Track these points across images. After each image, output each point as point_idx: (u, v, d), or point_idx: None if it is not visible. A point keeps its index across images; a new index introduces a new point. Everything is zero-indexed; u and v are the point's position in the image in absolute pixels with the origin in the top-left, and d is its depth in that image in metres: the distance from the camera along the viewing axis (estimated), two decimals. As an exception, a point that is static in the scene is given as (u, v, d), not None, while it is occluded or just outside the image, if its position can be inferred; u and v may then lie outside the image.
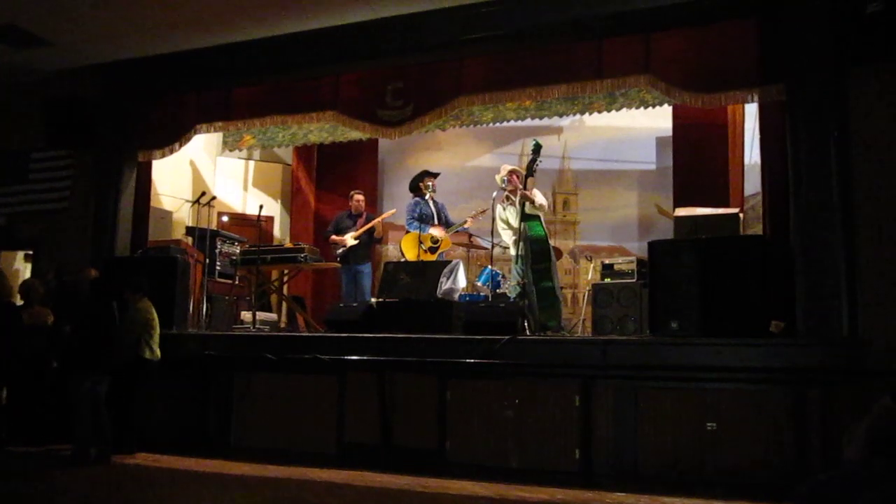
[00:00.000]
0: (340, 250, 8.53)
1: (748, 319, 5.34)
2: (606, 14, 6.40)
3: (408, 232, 8.34)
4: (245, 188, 10.61)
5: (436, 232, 8.22)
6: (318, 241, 9.49)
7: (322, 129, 9.01)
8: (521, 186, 7.09)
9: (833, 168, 5.46)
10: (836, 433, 4.67)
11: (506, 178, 7.32)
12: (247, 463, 6.03)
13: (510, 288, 7.38)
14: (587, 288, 8.10)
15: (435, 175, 8.58)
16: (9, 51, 7.90)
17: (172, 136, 8.12)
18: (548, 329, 6.81)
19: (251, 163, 10.71)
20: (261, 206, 8.15)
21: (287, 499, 5.03)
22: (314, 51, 7.41)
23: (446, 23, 6.85)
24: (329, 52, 7.35)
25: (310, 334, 7.36)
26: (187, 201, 9.06)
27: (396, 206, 9.34)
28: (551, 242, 7.42)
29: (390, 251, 10.08)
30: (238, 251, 8.47)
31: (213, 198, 8.42)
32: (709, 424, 5.16)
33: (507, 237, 7.47)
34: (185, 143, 8.22)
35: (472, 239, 8.37)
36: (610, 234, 9.37)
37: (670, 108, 8.22)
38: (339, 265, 8.62)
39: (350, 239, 8.52)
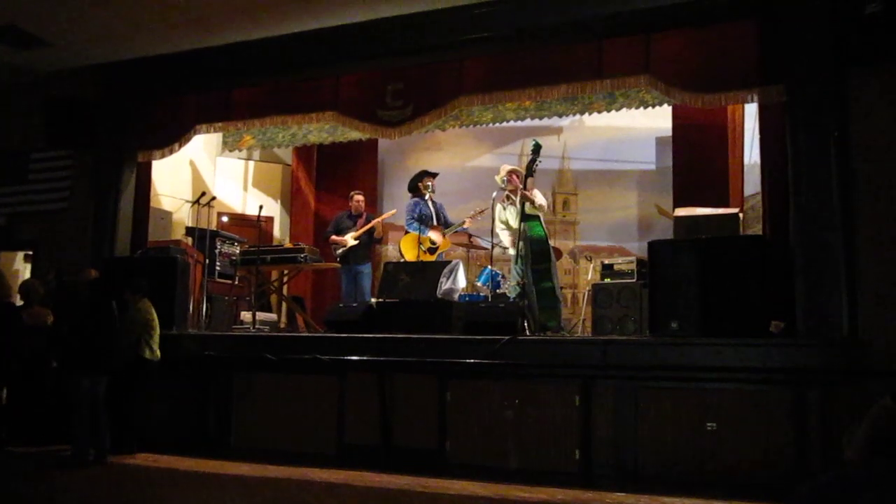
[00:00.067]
0: (340, 250, 8.53)
1: (748, 320, 5.35)
2: (606, 14, 6.40)
3: (407, 232, 8.34)
4: (245, 188, 10.61)
5: (434, 235, 8.22)
6: (317, 242, 9.49)
7: (322, 130, 9.01)
8: (520, 186, 7.09)
9: (833, 168, 5.47)
10: (836, 433, 4.67)
11: (505, 179, 7.32)
12: (247, 463, 6.02)
13: (510, 288, 7.38)
14: (587, 288, 8.11)
15: (434, 175, 8.57)
16: (9, 51, 7.90)
17: (172, 136, 8.12)
18: (548, 329, 6.81)
19: (251, 163, 10.71)
20: (260, 207, 8.15)
21: (287, 499, 5.03)
22: (314, 51, 7.41)
23: (446, 23, 6.85)
24: (329, 53, 7.36)
25: (310, 335, 7.36)
26: (187, 201, 9.06)
27: (396, 206, 9.34)
28: (551, 243, 7.42)
29: (390, 251, 10.08)
30: (238, 251, 8.48)
31: (213, 198, 8.42)
32: (709, 424, 5.16)
33: (506, 238, 7.46)
34: (185, 143, 8.22)
35: (471, 239, 8.37)
36: (610, 235, 9.37)
37: (670, 109, 8.22)
38: (338, 265, 8.62)
39: (350, 239, 8.52)
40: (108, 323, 6.13)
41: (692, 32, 6.30)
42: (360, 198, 8.91)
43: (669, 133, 8.73)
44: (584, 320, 7.75)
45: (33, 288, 6.99)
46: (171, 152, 8.22)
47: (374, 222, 8.68)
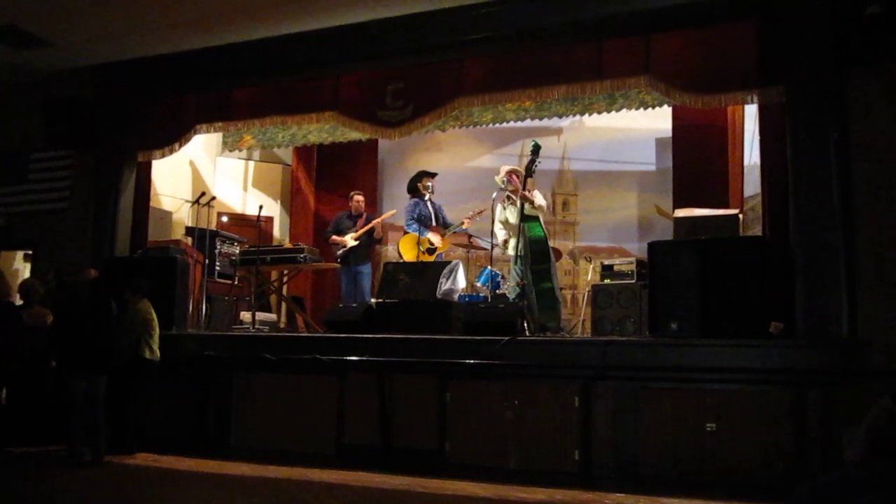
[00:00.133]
0: (341, 251, 8.53)
1: (748, 320, 5.35)
2: (606, 15, 6.40)
3: (406, 233, 8.34)
4: (245, 188, 10.60)
5: (433, 237, 8.22)
6: (317, 242, 9.49)
7: (322, 130, 9.00)
8: (520, 187, 7.09)
9: (833, 169, 5.47)
10: (836, 433, 4.68)
11: (505, 179, 7.32)
12: (246, 463, 6.02)
13: (509, 289, 7.38)
14: (587, 289, 8.11)
15: (433, 175, 8.58)
16: (9, 51, 7.89)
17: (172, 136, 8.12)
18: (547, 330, 6.81)
19: (251, 163, 10.71)
20: (260, 207, 8.15)
21: (286, 499, 5.03)
22: (314, 51, 7.41)
23: (446, 23, 6.85)
24: (329, 53, 7.35)
25: (309, 335, 7.36)
26: (187, 201, 9.06)
27: (396, 206, 9.33)
28: (551, 243, 7.42)
29: (390, 252, 10.07)
30: (238, 251, 8.47)
31: (213, 198, 8.42)
32: (708, 425, 5.16)
33: (503, 235, 7.44)
34: (185, 143, 8.22)
35: (471, 240, 8.37)
36: (609, 235, 9.37)
37: (670, 110, 8.21)
38: (338, 266, 8.62)
39: (350, 240, 8.52)
40: (108, 323, 6.13)
41: (692, 33, 6.30)
42: (360, 198, 8.91)
43: (669, 134, 8.73)
44: (583, 321, 7.75)
45: (33, 288, 6.99)
46: (171, 152, 8.22)
47: (373, 223, 8.67)
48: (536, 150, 6.75)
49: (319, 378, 6.29)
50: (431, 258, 8.08)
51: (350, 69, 7.56)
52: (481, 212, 8.08)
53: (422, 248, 8.04)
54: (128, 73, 8.14)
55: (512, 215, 7.31)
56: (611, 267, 7.09)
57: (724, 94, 6.26)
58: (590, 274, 8.24)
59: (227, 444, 6.54)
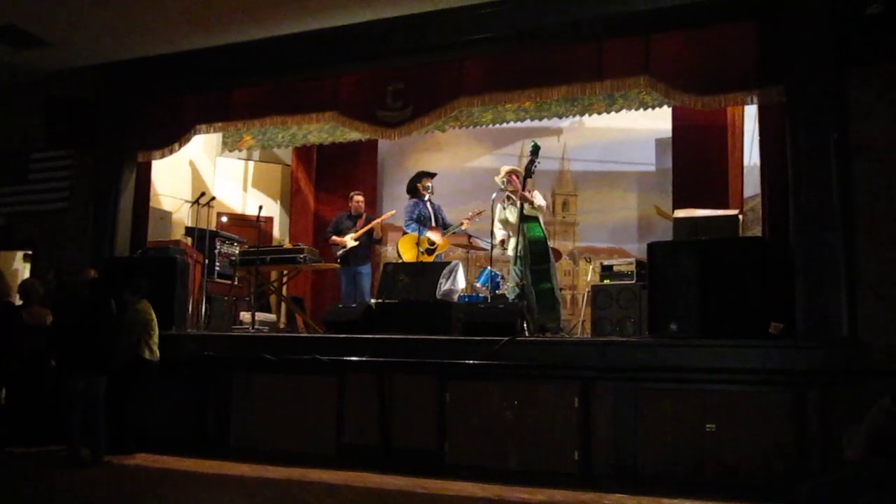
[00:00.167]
0: (340, 251, 8.53)
1: (747, 321, 5.34)
2: (606, 15, 6.40)
3: (405, 233, 8.34)
4: (244, 189, 10.61)
5: (433, 236, 8.22)
6: (317, 242, 9.49)
7: (322, 130, 9.01)
8: (520, 187, 7.09)
9: (833, 169, 5.47)
10: (836, 433, 4.66)
11: (505, 179, 7.32)
12: (246, 463, 6.03)
13: (509, 289, 7.38)
14: (586, 289, 8.10)
15: (432, 176, 8.58)
16: (9, 51, 7.90)
17: (172, 136, 8.12)
18: (547, 330, 6.81)
19: (251, 163, 10.71)
20: (260, 207, 8.15)
21: (286, 499, 5.03)
22: (314, 51, 7.41)
23: (446, 24, 6.85)
24: (329, 53, 7.35)
25: (309, 335, 7.35)
26: (187, 202, 9.06)
27: (396, 207, 9.33)
28: (550, 244, 7.42)
29: (390, 252, 10.07)
30: (237, 252, 8.47)
31: (213, 198, 8.42)
32: (708, 425, 5.16)
33: (501, 235, 7.43)
34: (185, 143, 8.23)
35: (471, 240, 8.37)
36: (609, 236, 9.37)
37: (670, 110, 8.21)
38: (338, 266, 8.62)
39: (350, 240, 8.51)
40: (108, 323, 6.13)
41: (692, 33, 6.30)
42: (360, 198, 8.91)
43: (669, 134, 8.73)
44: (583, 321, 7.74)
45: (33, 288, 7.00)
46: (171, 152, 8.22)
47: (373, 223, 8.67)
48: (536, 150, 6.76)
49: (319, 378, 6.28)
50: (431, 258, 8.08)
51: (350, 69, 7.56)
52: (480, 212, 8.08)
53: (421, 248, 8.04)
54: (128, 73, 8.15)
55: (511, 215, 7.31)
56: (610, 267, 7.09)
57: (723, 95, 6.26)
58: (589, 274, 8.24)
59: (226, 444, 6.54)
